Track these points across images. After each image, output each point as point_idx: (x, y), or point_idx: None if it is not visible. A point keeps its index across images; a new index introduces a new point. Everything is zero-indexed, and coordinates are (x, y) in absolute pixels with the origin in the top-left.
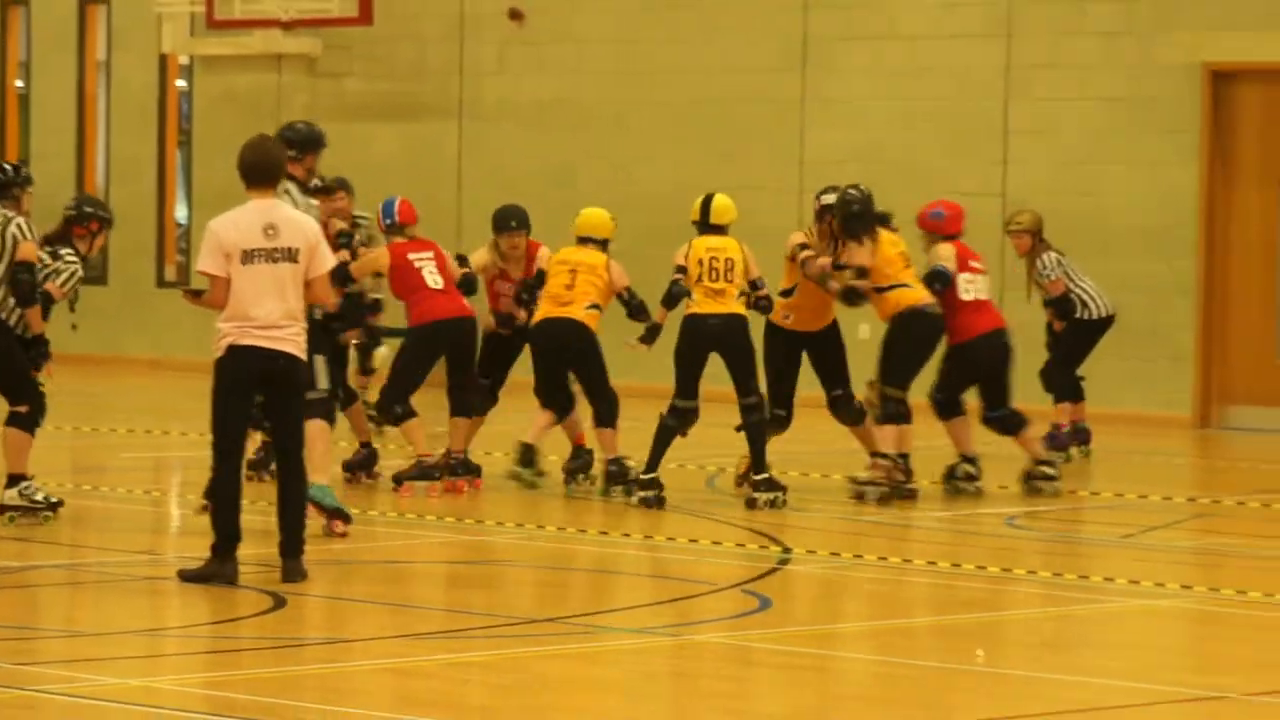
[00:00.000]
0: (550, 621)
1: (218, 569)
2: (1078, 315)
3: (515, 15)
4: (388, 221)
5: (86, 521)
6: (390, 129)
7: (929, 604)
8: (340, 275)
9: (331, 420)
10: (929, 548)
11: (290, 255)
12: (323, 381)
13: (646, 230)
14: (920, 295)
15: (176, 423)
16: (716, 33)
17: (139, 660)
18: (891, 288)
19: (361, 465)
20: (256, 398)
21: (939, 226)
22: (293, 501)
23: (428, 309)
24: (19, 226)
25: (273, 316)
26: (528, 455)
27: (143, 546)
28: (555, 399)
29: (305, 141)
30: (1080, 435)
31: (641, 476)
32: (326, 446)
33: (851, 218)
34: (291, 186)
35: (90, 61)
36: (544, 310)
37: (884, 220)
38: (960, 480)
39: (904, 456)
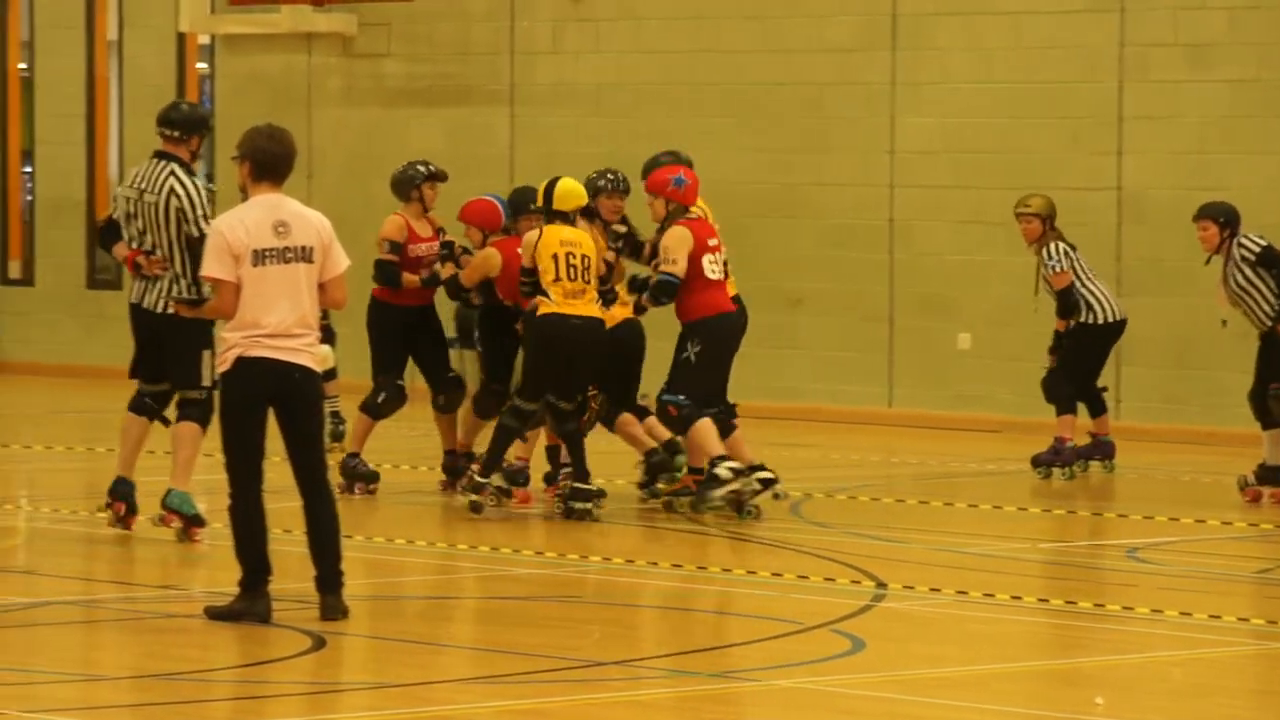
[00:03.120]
0: (619, 665)
1: (248, 606)
2: (1083, 319)
3: None
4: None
5: (99, 552)
6: (433, 115)
7: (1042, 646)
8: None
9: (206, 424)
10: (1041, 583)
11: (305, 255)
12: (206, 378)
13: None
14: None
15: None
16: (794, 8)
17: (162, 707)
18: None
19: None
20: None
21: (680, 195)
22: (326, 531)
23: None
24: None
25: (285, 324)
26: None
27: (164, 580)
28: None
29: (189, 122)
30: (1103, 449)
31: (476, 479)
32: (195, 451)
33: None
34: (177, 168)
35: (100, 41)
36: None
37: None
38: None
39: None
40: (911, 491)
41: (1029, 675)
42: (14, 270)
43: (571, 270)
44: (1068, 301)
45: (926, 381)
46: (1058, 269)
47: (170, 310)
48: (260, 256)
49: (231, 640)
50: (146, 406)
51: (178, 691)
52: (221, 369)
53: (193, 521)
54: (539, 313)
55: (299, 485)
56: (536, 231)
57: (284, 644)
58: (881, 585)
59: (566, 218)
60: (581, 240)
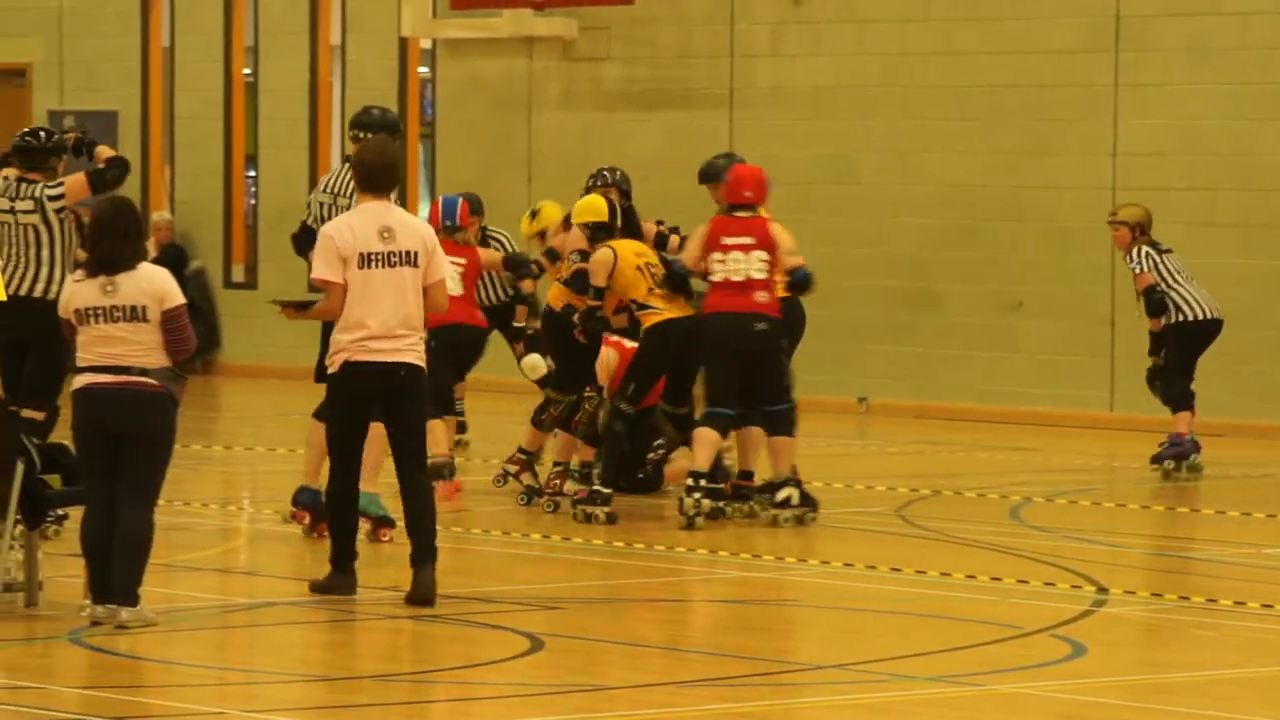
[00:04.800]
0: (836, 668)
1: (338, 582)
2: (1173, 319)
3: None
4: (448, 223)
5: (319, 554)
6: (653, 118)
7: (1267, 652)
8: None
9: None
10: (1266, 588)
11: (409, 259)
12: None
13: (937, 231)
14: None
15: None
16: (1016, 10)
17: (379, 708)
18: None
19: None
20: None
21: (728, 193)
22: (421, 509)
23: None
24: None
25: (389, 325)
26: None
27: (381, 581)
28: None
29: (382, 127)
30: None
31: (602, 490)
32: (382, 453)
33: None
34: None
35: (323, 46)
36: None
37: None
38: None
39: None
40: (1133, 496)
41: (1253, 681)
42: (238, 274)
43: (654, 278)
44: (1151, 300)
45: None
46: (1138, 270)
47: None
48: (366, 260)
49: (447, 642)
50: None
51: (394, 693)
52: (330, 371)
53: (381, 522)
54: (651, 322)
55: (397, 467)
56: (609, 252)
57: (501, 646)
58: (1102, 590)
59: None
60: (647, 250)
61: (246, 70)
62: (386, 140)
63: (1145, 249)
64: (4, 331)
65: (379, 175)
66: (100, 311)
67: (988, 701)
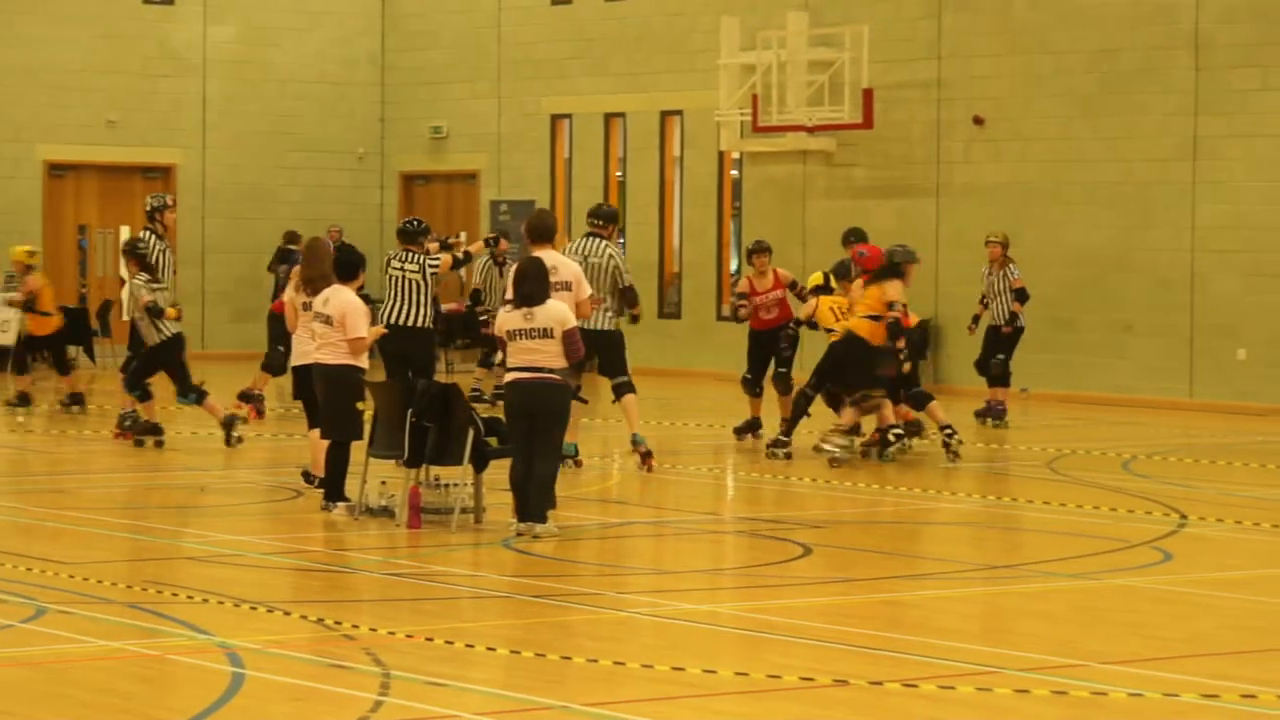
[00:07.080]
0: (1005, 568)
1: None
2: (992, 323)
3: (978, 121)
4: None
5: (667, 488)
6: (886, 205)
7: None
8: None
9: (635, 391)
10: None
11: (566, 287)
12: (629, 367)
13: (1073, 280)
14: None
15: (731, 419)
16: (1127, 133)
17: (705, 591)
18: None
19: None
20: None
21: (862, 262)
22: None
23: None
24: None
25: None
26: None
27: (706, 508)
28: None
29: (609, 216)
30: (995, 412)
31: (782, 437)
32: (638, 409)
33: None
34: (609, 243)
35: (668, 157)
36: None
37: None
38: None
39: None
40: (1206, 454)
41: None
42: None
43: (840, 313)
44: (1023, 295)
45: (1215, 380)
46: (1016, 275)
47: (608, 328)
48: None
49: (749, 549)
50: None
51: (717, 581)
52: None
53: (648, 456)
54: (832, 339)
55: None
56: (815, 301)
57: (781, 551)
58: (1183, 516)
59: (830, 291)
60: (840, 301)
61: (619, 173)
62: (545, 212)
63: (1012, 265)
64: (394, 349)
65: (542, 231)
66: (523, 332)
67: (1106, 590)
